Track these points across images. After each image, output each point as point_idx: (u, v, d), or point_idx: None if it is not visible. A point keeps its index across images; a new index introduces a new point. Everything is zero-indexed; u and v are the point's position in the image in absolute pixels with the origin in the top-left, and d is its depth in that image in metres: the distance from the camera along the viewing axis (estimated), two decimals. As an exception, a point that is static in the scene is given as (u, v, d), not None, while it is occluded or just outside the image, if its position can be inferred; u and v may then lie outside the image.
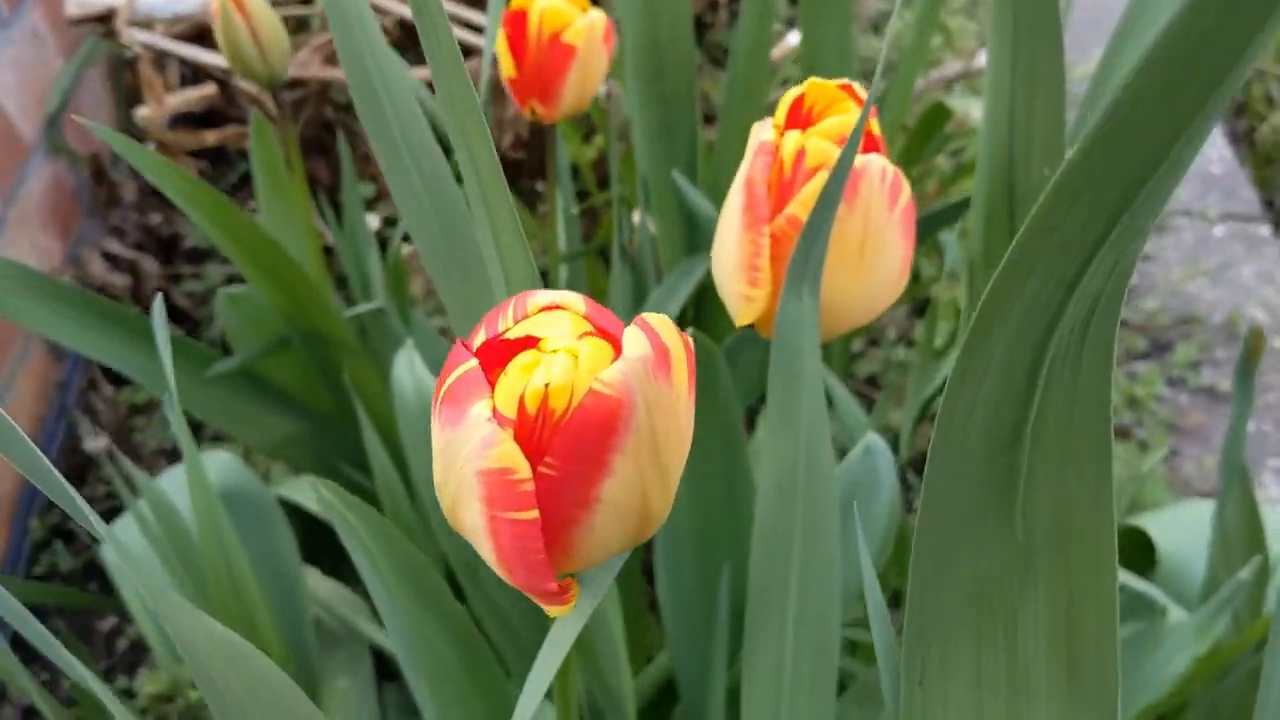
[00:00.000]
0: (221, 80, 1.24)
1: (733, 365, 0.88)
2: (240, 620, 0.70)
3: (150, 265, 1.25)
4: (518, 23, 0.71)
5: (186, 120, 1.32)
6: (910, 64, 1.04)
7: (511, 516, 0.29)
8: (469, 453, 0.28)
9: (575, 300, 0.30)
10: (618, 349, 0.29)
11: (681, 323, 0.98)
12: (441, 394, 0.29)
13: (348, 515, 0.48)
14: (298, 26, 1.29)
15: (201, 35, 1.24)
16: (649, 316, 0.29)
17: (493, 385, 0.29)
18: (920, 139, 1.14)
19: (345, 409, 0.88)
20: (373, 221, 1.28)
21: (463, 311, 0.51)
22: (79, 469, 1.14)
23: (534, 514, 0.29)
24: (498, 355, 0.30)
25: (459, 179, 0.41)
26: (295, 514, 0.90)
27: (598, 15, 0.73)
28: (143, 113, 1.23)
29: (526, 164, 1.30)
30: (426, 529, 0.75)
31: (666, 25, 0.88)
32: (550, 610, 0.32)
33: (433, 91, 0.37)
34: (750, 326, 0.49)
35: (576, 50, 0.71)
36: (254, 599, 0.71)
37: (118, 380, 1.21)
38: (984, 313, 0.28)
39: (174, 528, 0.71)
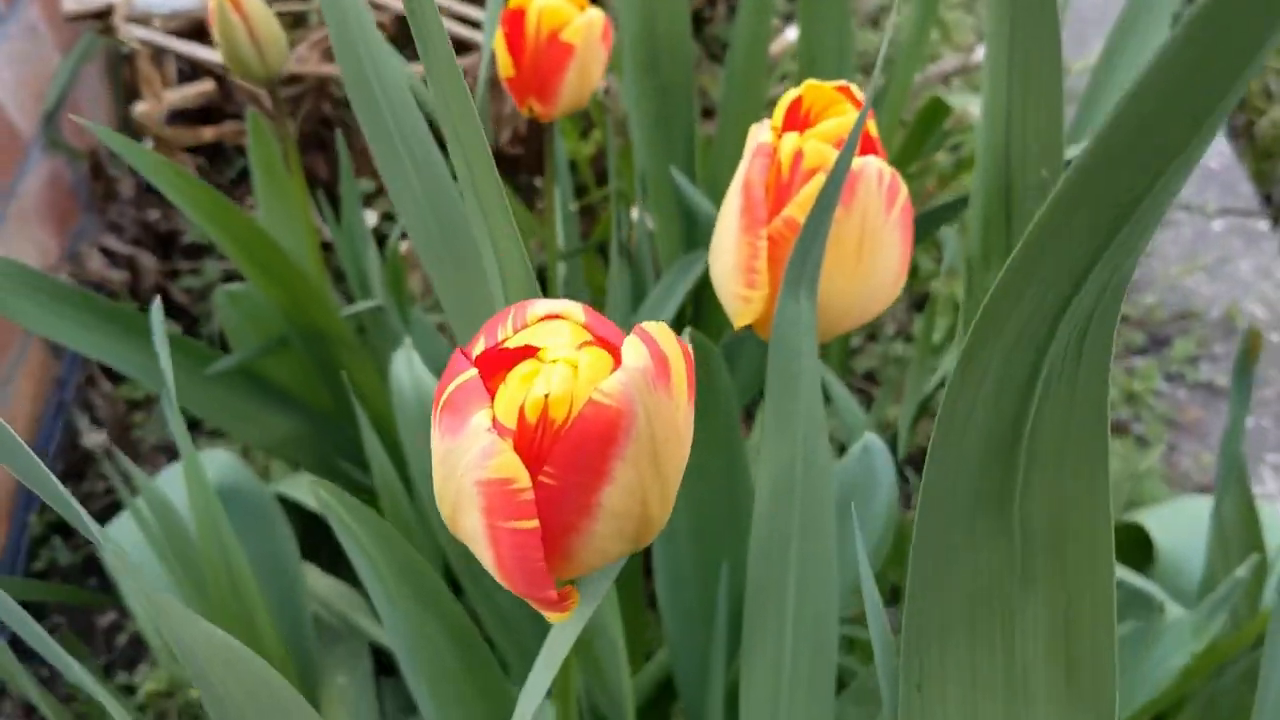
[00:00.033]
0: (219, 76, 1.24)
1: (731, 362, 0.88)
2: (239, 618, 0.70)
3: (148, 261, 1.25)
4: (516, 21, 0.71)
5: (184, 116, 1.32)
6: (908, 60, 1.04)
7: (511, 526, 0.29)
8: (469, 462, 0.28)
9: (575, 309, 0.30)
10: (617, 358, 0.29)
11: (680, 319, 0.99)
12: (441, 403, 0.30)
13: (346, 517, 0.48)
14: (295, 22, 1.29)
15: (199, 31, 1.24)
16: (648, 325, 0.29)
17: (492, 394, 0.29)
18: (919, 136, 1.14)
19: (344, 407, 0.88)
20: (371, 217, 1.28)
21: (459, 307, 0.52)
22: (78, 465, 1.14)
23: (534, 523, 0.29)
24: (497, 364, 0.30)
25: (455, 175, 0.41)
26: (294, 511, 0.90)
27: (596, 13, 0.72)
28: (140, 109, 1.23)
29: (524, 159, 1.29)
30: (425, 527, 0.75)
31: (664, 17, 0.88)
32: (550, 617, 0.32)
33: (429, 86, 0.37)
34: (749, 325, 0.49)
35: (575, 48, 0.71)
36: (253, 597, 0.71)
37: (116, 376, 1.21)
38: (982, 323, 0.28)
39: (172, 526, 0.71)
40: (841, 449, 1.07)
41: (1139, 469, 1.10)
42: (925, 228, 0.84)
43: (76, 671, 0.39)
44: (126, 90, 1.38)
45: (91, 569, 1.06)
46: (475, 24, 1.27)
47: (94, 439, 1.13)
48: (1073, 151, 0.71)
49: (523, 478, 0.28)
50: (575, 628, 0.35)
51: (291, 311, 0.82)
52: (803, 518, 0.46)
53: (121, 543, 0.86)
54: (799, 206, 0.45)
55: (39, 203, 1.17)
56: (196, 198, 0.73)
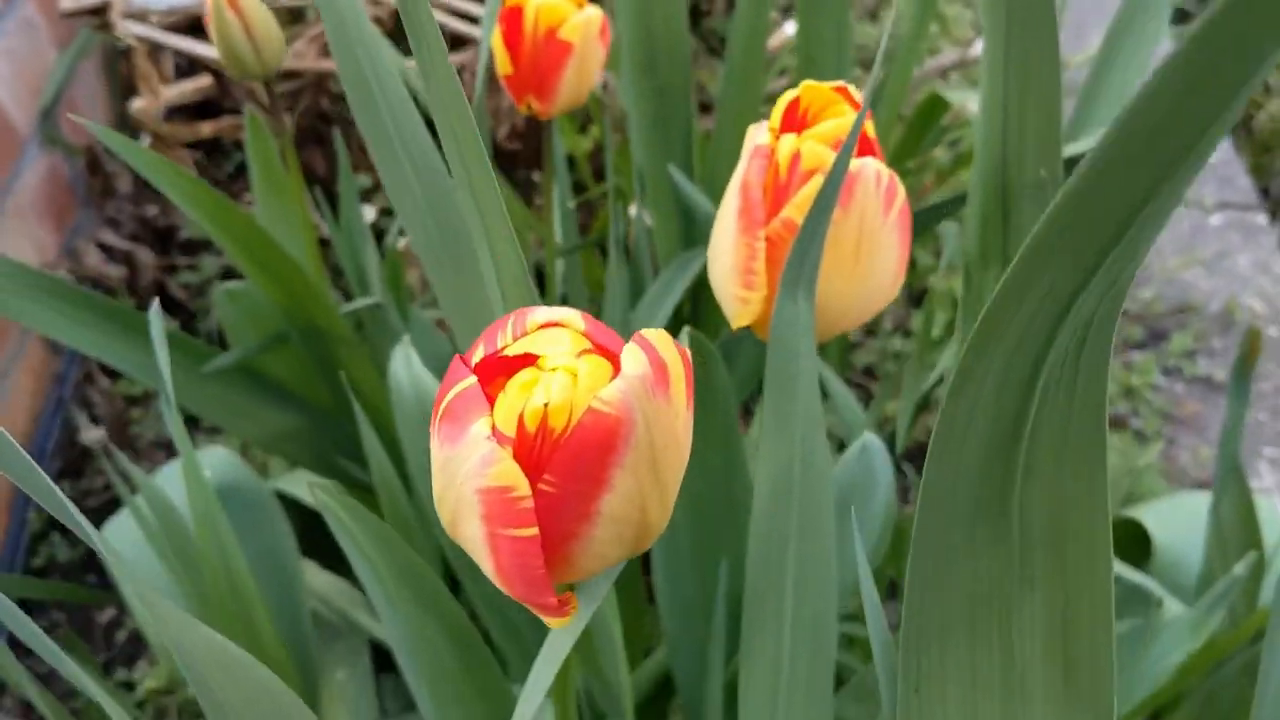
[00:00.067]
0: (217, 72, 1.24)
1: (730, 359, 0.88)
2: (238, 616, 0.70)
3: (146, 256, 1.25)
4: (514, 19, 0.71)
5: (182, 111, 1.32)
6: (907, 54, 1.04)
7: (511, 533, 0.29)
8: (468, 470, 0.29)
9: (574, 317, 0.30)
10: (616, 366, 0.29)
11: (678, 316, 0.99)
12: (441, 411, 0.30)
13: (345, 519, 0.48)
14: (293, 17, 1.29)
15: (196, 26, 1.23)
16: (647, 332, 0.30)
17: (492, 401, 0.29)
18: (917, 131, 1.14)
19: (343, 403, 0.88)
20: (369, 213, 1.27)
21: (456, 303, 0.52)
22: (76, 462, 1.14)
23: (533, 531, 0.29)
24: (496, 372, 0.30)
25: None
26: (293, 507, 0.90)
27: (593, 11, 0.72)
28: (138, 105, 1.22)
29: (523, 154, 1.29)
30: (424, 524, 0.75)
31: (661, 16, 0.88)
32: (550, 622, 0.32)
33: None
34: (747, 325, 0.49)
35: (572, 46, 0.71)
36: (251, 595, 0.71)
37: (114, 372, 1.21)
38: (982, 330, 0.28)
39: (171, 525, 0.72)
40: (840, 445, 1.08)
41: (1137, 465, 1.10)
42: (923, 224, 0.84)
43: (74, 672, 0.39)
44: (124, 86, 1.37)
45: (91, 565, 1.06)
46: (473, 19, 1.27)
47: (92, 435, 1.13)
48: (1071, 149, 0.71)
49: (522, 486, 0.28)
50: (574, 632, 0.35)
51: (290, 309, 0.82)
52: (801, 519, 0.46)
53: (120, 541, 0.86)
54: (797, 208, 0.45)
55: (36, 199, 1.17)
56: (194, 196, 0.73)
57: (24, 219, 1.14)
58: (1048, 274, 0.26)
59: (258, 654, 0.70)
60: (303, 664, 0.80)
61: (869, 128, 0.47)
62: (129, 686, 0.97)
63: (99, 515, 1.07)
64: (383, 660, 0.87)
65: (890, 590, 1.00)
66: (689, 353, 0.32)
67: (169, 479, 0.88)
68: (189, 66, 1.32)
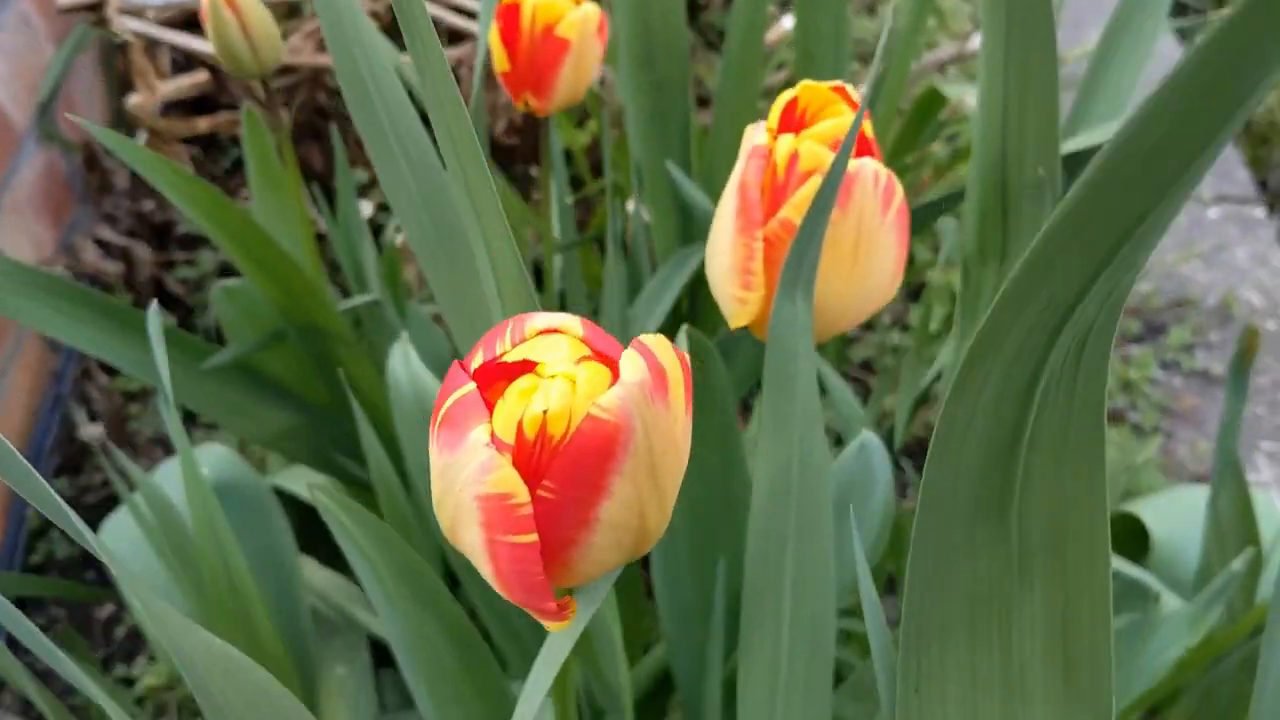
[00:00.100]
0: (213, 67, 1.24)
1: (728, 356, 0.88)
2: (236, 614, 0.70)
3: (143, 252, 1.25)
4: (511, 16, 0.71)
5: (178, 107, 1.32)
6: (905, 48, 1.04)
7: (510, 540, 0.29)
8: (467, 477, 0.29)
9: (573, 323, 0.30)
10: (615, 373, 0.29)
11: (676, 313, 0.99)
12: (440, 417, 0.30)
13: (344, 520, 0.48)
14: (289, 12, 1.28)
15: (192, 22, 1.23)
16: (646, 338, 0.30)
17: (491, 407, 0.29)
18: (915, 126, 1.14)
19: (341, 400, 0.88)
20: (366, 208, 1.27)
21: (452, 299, 0.52)
22: (75, 458, 1.14)
23: (533, 537, 0.29)
24: (495, 378, 0.30)
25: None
26: (291, 503, 0.90)
27: (590, 8, 0.72)
28: (134, 100, 1.22)
29: (520, 149, 1.29)
30: (422, 521, 0.75)
31: (658, 11, 0.87)
32: (549, 626, 0.32)
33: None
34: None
35: (570, 44, 0.71)
36: (250, 592, 0.71)
37: (112, 368, 1.21)
38: (983, 336, 0.28)
39: (170, 523, 0.72)
40: (838, 440, 1.08)
41: (1136, 462, 1.10)
42: (921, 220, 0.84)
43: (73, 672, 0.39)
44: (120, 81, 1.37)
45: (90, 561, 1.06)
46: (470, 14, 1.27)
47: (91, 432, 1.13)
48: (1069, 146, 0.71)
49: (521, 493, 0.28)
50: (573, 635, 0.35)
51: (287, 307, 0.82)
52: (799, 519, 0.46)
53: (119, 538, 0.86)
54: (795, 208, 0.45)
55: (33, 194, 1.17)
56: (192, 195, 0.73)
57: (21, 215, 1.14)
58: (1046, 287, 0.26)
59: (256, 651, 0.71)
60: (301, 660, 0.80)
61: (867, 127, 0.47)
62: (128, 683, 0.97)
63: (98, 511, 1.07)
64: (381, 655, 0.87)
65: (888, 585, 1.00)
66: (687, 357, 0.32)
67: (167, 476, 0.88)
68: (185, 61, 1.32)
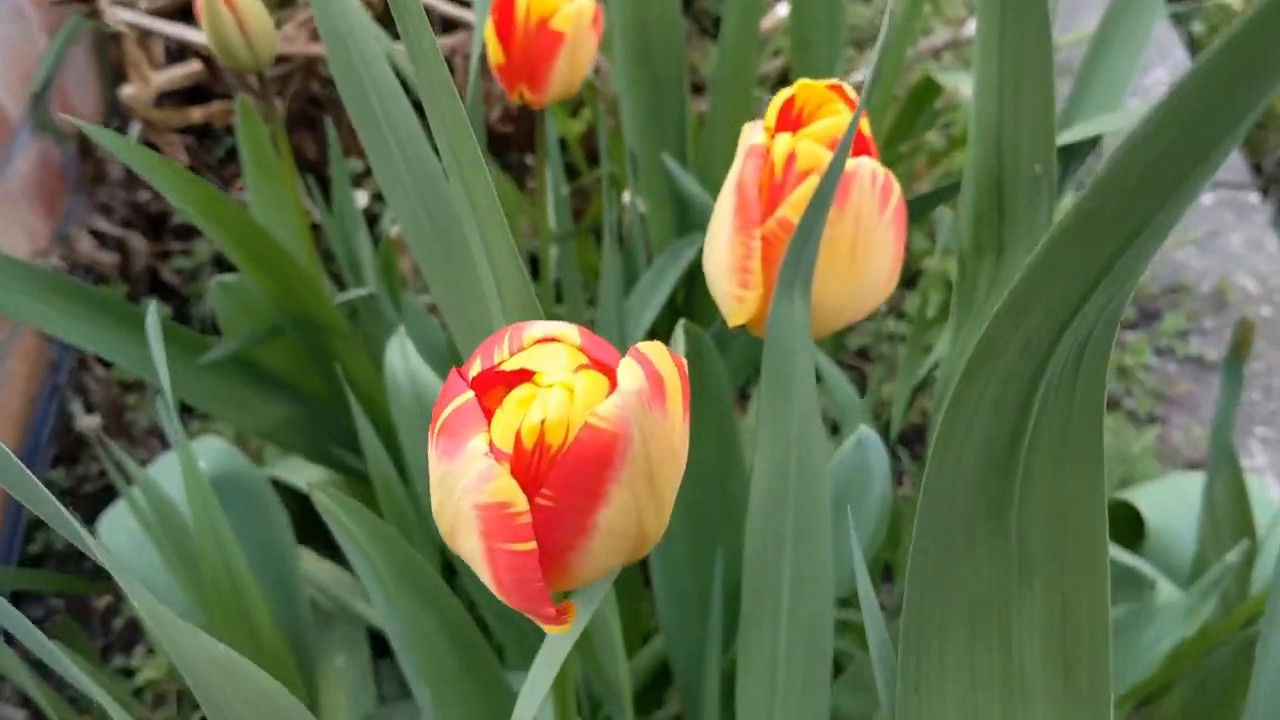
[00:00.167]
0: (207, 57, 1.23)
1: (723, 346, 0.88)
2: (235, 607, 0.71)
3: (138, 242, 1.25)
4: (505, 9, 0.71)
5: (173, 97, 1.31)
6: (901, 35, 1.04)
7: (509, 548, 0.29)
8: (466, 486, 0.29)
9: (570, 332, 0.30)
10: (613, 381, 0.29)
11: (672, 304, 0.99)
12: (438, 425, 0.30)
13: (344, 520, 0.48)
14: (281, 1, 1.28)
15: (185, 11, 1.23)
16: (644, 346, 0.30)
17: (489, 414, 0.30)
18: (910, 114, 1.14)
19: (338, 393, 0.88)
20: (361, 198, 1.27)
21: (447, 291, 0.52)
22: (72, 448, 1.14)
23: (531, 545, 0.29)
24: (494, 386, 0.30)
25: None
26: (288, 494, 0.90)
27: (585, 0, 0.72)
28: (128, 91, 1.22)
29: (515, 137, 1.29)
30: (420, 514, 0.75)
31: (655, 6, 0.87)
32: (548, 629, 0.33)
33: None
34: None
35: (564, 37, 0.71)
36: (249, 586, 0.71)
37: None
38: (982, 344, 0.28)
39: (167, 517, 0.72)
40: (834, 428, 1.08)
41: (1132, 451, 1.10)
42: (917, 211, 0.84)
43: (72, 671, 0.39)
44: (114, 70, 1.37)
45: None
46: (464, 1, 1.26)
47: (88, 423, 1.13)
48: (1065, 137, 0.71)
49: (520, 501, 0.29)
50: (572, 637, 0.35)
51: (283, 301, 0.82)
52: (797, 519, 0.46)
53: (118, 530, 0.86)
54: (793, 207, 0.45)
55: (27, 185, 1.17)
56: (187, 191, 0.73)
57: (15, 206, 1.14)
58: (1046, 296, 0.26)
59: (255, 644, 0.71)
60: (300, 652, 0.81)
61: (864, 125, 0.47)
62: (127, 673, 0.97)
63: (96, 501, 1.07)
64: (380, 646, 0.88)
65: (885, 573, 1.00)
66: (684, 361, 0.32)
67: (165, 469, 0.88)
68: (179, 50, 1.31)
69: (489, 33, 0.72)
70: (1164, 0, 0.76)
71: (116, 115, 1.38)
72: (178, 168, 0.71)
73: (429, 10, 1.22)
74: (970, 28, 1.40)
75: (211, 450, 0.85)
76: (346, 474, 0.91)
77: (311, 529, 0.89)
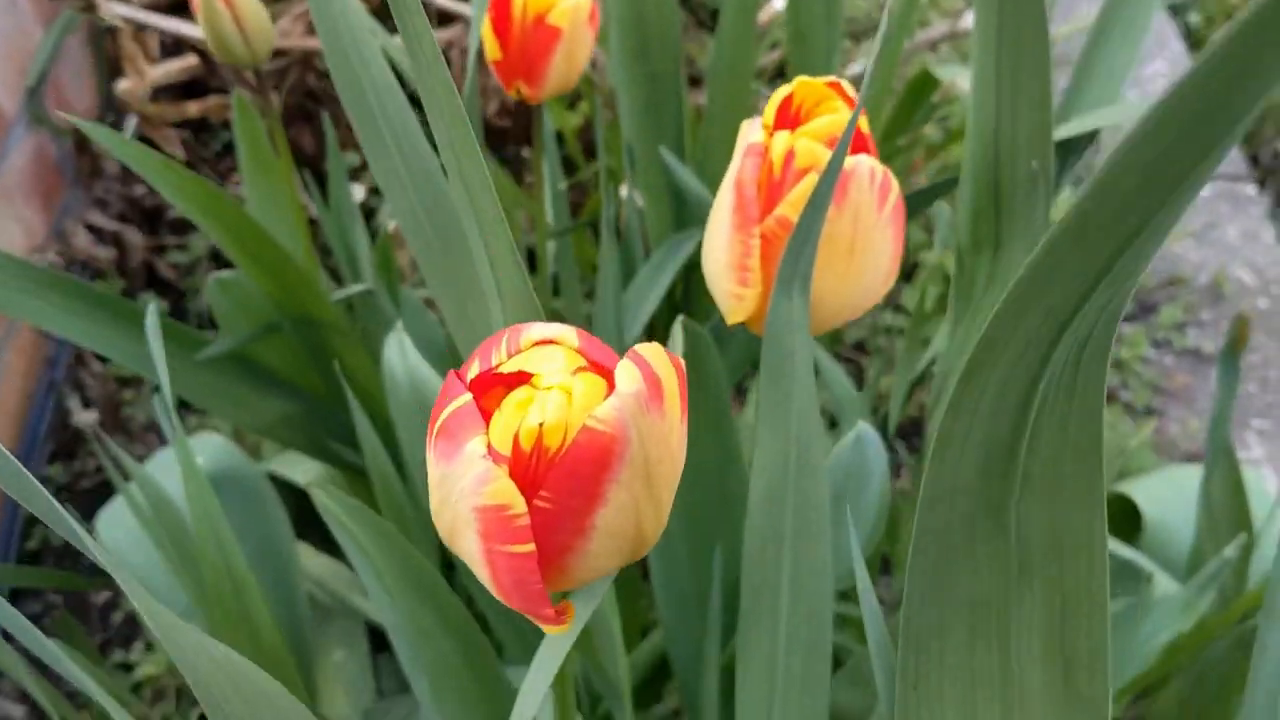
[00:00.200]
0: (202, 51, 1.23)
1: (721, 341, 0.88)
2: (234, 603, 0.71)
3: (135, 237, 1.24)
4: (502, 4, 0.71)
5: (169, 91, 1.31)
6: (899, 27, 1.04)
7: (508, 550, 0.29)
8: (464, 488, 0.29)
9: (569, 334, 0.30)
10: (611, 383, 0.29)
11: (670, 298, 0.98)
12: (437, 428, 0.30)
13: (344, 519, 0.48)
14: (278, -6, 1.28)
15: (180, 5, 1.22)
16: (642, 347, 0.30)
17: (487, 416, 0.30)
18: (908, 108, 1.13)
19: (336, 388, 0.88)
20: (358, 192, 1.27)
21: (445, 285, 0.51)
22: (69, 444, 1.14)
23: (530, 547, 0.29)
24: (492, 388, 0.30)
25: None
26: (286, 489, 0.90)
27: (582, -5, 0.72)
28: (124, 85, 1.22)
29: (512, 131, 1.29)
30: (418, 509, 0.75)
31: (652, 3, 0.87)
32: (547, 629, 0.33)
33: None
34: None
35: (561, 32, 0.71)
36: (248, 581, 0.71)
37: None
38: (981, 346, 0.28)
39: (165, 513, 0.72)
40: (832, 421, 1.08)
41: (1129, 445, 1.10)
42: (915, 206, 0.84)
43: (71, 670, 0.39)
44: (110, 65, 1.36)
45: (85, 548, 1.06)
46: (462, -5, 1.26)
47: (85, 418, 1.13)
48: (1062, 131, 0.71)
49: (518, 504, 0.29)
50: (571, 636, 0.35)
51: (281, 298, 0.82)
52: (796, 518, 0.46)
53: (116, 526, 0.86)
54: (791, 205, 0.45)
55: (23, 179, 1.16)
56: (184, 188, 0.72)
57: (11, 200, 1.13)
58: (1045, 298, 0.26)
59: (254, 639, 0.71)
60: (299, 647, 0.81)
61: (863, 123, 0.46)
62: (126, 668, 0.97)
63: (93, 497, 1.07)
64: (379, 641, 0.88)
65: (883, 566, 1.00)
66: (682, 361, 0.32)
67: (162, 464, 0.88)
68: (175, 45, 1.31)
69: (486, 28, 0.72)
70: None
71: (112, 110, 1.37)
72: (173, 163, 0.71)
73: (424, 4, 1.22)
74: (968, 20, 1.39)
75: (209, 446, 0.85)
76: (344, 469, 0.91)
77: (309, 523, 0.89)
